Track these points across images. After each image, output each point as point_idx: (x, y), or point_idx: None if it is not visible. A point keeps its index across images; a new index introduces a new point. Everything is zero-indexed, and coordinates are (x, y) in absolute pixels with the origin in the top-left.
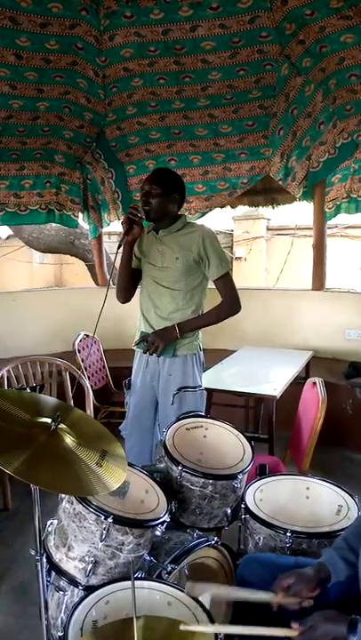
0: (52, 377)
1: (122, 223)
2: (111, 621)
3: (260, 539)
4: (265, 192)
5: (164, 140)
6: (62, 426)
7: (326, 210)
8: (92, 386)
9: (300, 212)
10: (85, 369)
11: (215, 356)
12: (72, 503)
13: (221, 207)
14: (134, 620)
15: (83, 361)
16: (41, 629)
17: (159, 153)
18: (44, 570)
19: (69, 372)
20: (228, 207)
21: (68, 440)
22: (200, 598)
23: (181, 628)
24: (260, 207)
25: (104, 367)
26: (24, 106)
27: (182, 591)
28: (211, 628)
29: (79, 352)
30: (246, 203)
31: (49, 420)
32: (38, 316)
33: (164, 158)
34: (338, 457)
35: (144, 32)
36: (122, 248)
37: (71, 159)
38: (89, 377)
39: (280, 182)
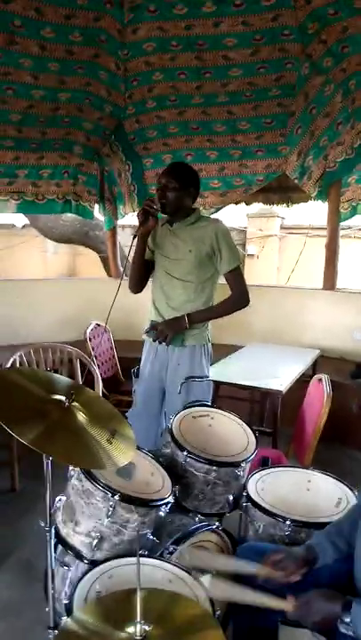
0: (63, 364)
1: (137, 215)
2: (113, 592)
3: (259, 526)
4: (280, 190)
5: (182, 134)
6: (75, 404)
7: (342, 210)
8: (101, 374)
9: (315, 211)
10: (95, 357)
11: (223, 352)
12: (81, 480)
13: (236, 203)
14: (138, 589)
15: (93, 349)
16: (47, 600)
17: (177, 147)
18: (52, 541)
19: (80, 360)
20: (243, 204)
21: (81, 417)
22: (201, 579)
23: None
24: (275, 205)
25: (114, 357)
26: (45, 96)
27: (183, 570)
28: (209, 591)
29: (90, 341)
30: (261, 200)
31: (63, 398)
32: (51, 305)
33: (181, 153)
34: (340, 454)
35: (167, 27)
36: (136, 239)
37: (89, 150)
38: (98, 365)
39: (296, 181)
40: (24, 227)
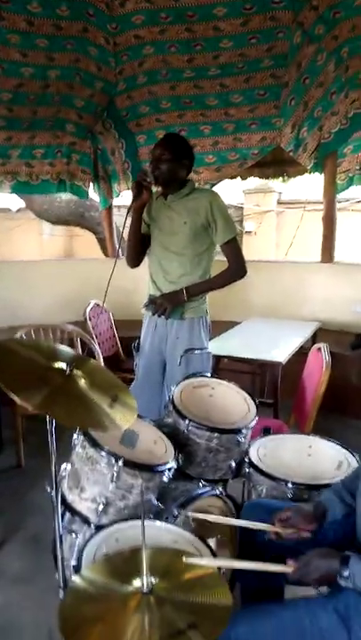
0: (64, 343)
1: (131, 188)
2: (120, 551)
3: (262, 490)
4: (275, 164)
5: (175, 109)
6: (77, 372)
7: (339, 182)
8: (102, 353)
9: (312, 185)
10: (96, 337)
11: (222, 328)
12: (85, 448)
13: (231, 178)
14: (143, 545)
15: (93, 329)
16: (56, 566)
17: (170, 123)
18: (60, 505)
19: (80, 339)
20: (239, 179)
21: (83, 384)
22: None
23: (185, 560)
24: (271, 179)
25: (114, 335)
26: (35, 74)
27: (188, 532)
28: (212, 562)
29: (90, 320)
30: (257, 174)
31: (64, 366)
32: (48, 286)
33: (174, 128)
34: (341, 425)
35: None
36: (131, 213)
37: (82, 129)
38: (99, 344)
39: (291, 153)
40: (19, 210)
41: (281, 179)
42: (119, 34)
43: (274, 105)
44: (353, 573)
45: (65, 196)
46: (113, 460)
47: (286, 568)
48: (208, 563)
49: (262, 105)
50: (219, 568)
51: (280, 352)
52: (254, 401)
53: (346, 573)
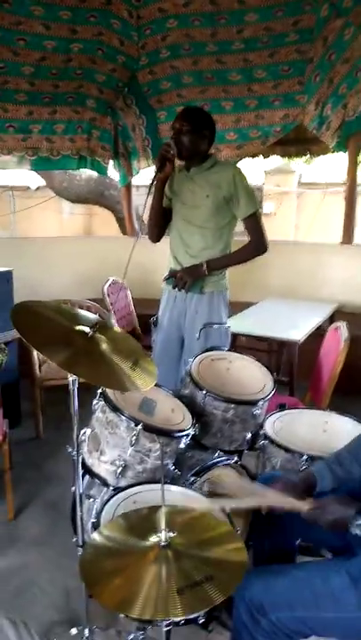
0: None
1: (154, 161)
2: (137, 509)
3: (277, 462)
4: (298, 142)
5: (197, 84)
6: (99, 335)
7: None
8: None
9: (333, 167)
10: (114, 313)
11: (240, 308)
12: (105, 412)
13: (253, 157)
14: (162, 500)
15: (112, 305)
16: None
17: (191, 98)
18: (80, 467)
19: (99, 314)
20: (260, 157)
21: (104, 346)
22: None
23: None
24: (293, 158)
25: (132, 312)
26: (57, 47)
27: (204, 496)
28: (225, 502)
29: (108, 296)
30: (278, 153)
31: (87, 329)
32: (68, 264)
33: (196, 104)
34: (357, 406)
35: None
36: (154, 185)
37: (102, 104)
38: (117, 320)
39: (314, 131)
40: (38, 188)
41: (304, 158)
42: (143, 6)
43: (298, 81)
44: None
45: (85, 175)
46: (132, 425)
47: (303, 505)
48: (220, 504)
49: (286, 81)
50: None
51: (297, 331)
52: (271, 374)
53: (359, 522)
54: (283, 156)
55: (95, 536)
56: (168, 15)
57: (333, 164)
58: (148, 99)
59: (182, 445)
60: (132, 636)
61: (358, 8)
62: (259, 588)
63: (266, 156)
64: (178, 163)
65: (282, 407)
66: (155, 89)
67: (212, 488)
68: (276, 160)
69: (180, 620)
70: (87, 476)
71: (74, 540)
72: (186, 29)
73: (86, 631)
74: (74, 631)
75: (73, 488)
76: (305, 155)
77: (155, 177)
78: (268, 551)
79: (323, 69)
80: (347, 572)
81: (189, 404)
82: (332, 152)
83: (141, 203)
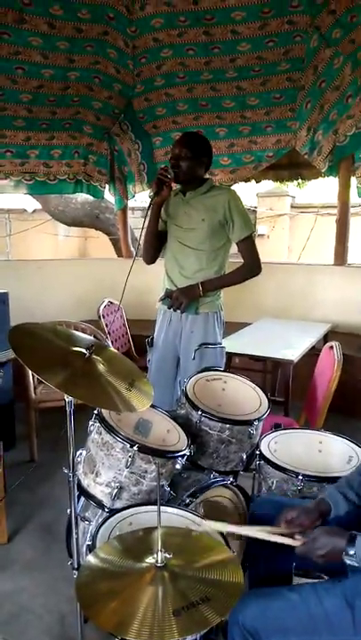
0: None
1: (152, 185)
2: (132, 531)
3: (273, 482)
4: (290, 167)
5: (192, 111)
6: (96, 357)
7: (359, 185)
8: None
9: (325, 190)
10: (109, 334)
11: (234, 329)
12: (100, 434)
13: (246, 181)
14: (158, 522)
15: (107, 326)
16: (69, 554)
17: (186, 125)
18: (75, 488)
19: (95, 336)
20: (253, 182)
21: (101, 367)
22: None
23: (195, 529)
24: (286, 182)
25: (127, 333)
26: (55, 75)
27: (199, 517)
28: (220, 527)
29: (103, 318)
30: (271, 177)
31: (84, 350)
32: (63, 285)
33: (190, 130)
34: (350, 426)
35: (174, 1)
36: (150, 209)
37: (99, 130)
38: (112, 342)
39: (306, 156)
40: (34, 211)
41: (296, 183)
42: (138, 37)
43: (290, 108)
44: (359, 552)
45: (80, 198)
46: (128, 446)
47: (294, 541)
48: (216, 528)
49: (278, 108)
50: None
51: (292, 351)
52: (266, 395)
53: (352, 552)
54: (275, 180)
55: (90, 558)
56: (163, 45)
57: (326, 186)
58: (144, 125)
59: (178, 466)
60: None
61: (347, 39)
62: (253, 612)
63: (258, 181)
64: (174, 186)
65: (277, 427)
66: (150, 115)
67: (207, 511)
68: (269, 183)
69: None
70: (83, 499)
71: (69, 563)
72: (180, 58)
73: None
74: None
75: (68, 510)
76: (297, 179)
77: (151, 201)
78: (264, 575)
79: (314, 96)
80: (341, 594)
81: (185, 424)
82: (324, 177)
83: (136, 225)
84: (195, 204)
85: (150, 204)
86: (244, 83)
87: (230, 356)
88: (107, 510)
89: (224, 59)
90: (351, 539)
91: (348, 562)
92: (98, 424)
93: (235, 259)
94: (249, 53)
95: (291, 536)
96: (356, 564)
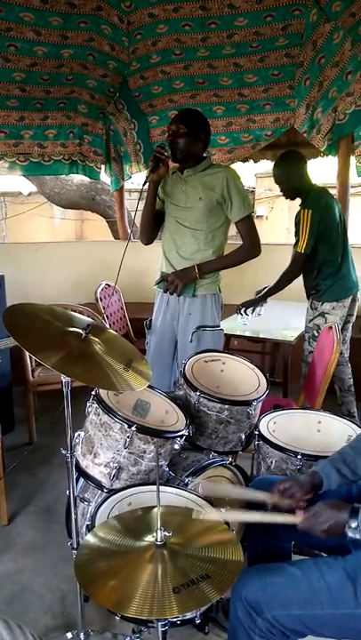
0: None
1: (148, 162)
2: (131, 510)
3: (272, 462)
4: (289, 146)
5: (188, 89)
6: (92, 337)
7: (358, 164)
8: None
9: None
10: (107, 317)
11: (232, 310)
12: (98, 415)
13: (244, 161)
14: (158, 501)
15: (104, 309)
16: (69, 534)
17: (182, 103)
18: (73, 468)
19: (92, 319)
20: (251, 162)
21: (98, 347)
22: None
23: (193, 515)
24: None
25: (124, 316)
26: (48, 53)
27: (198, 496)
28: (220, 515)
29: (101, 300)
30: (269, 157)
31: (80, 330)
32: (60, 268)
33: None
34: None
35: None
36: (147, 186)
37: (94, 109)
38: (110, 325)
39: (304, 135)
40: (30, 194)
41: None
42: (133, 12)
43: (288, 85)
44: None
45: (76, 180)
46: (126, 426)
47: (295, 518)
48: (216, 516)
49: (276, 85)
50: (227, 523)
51: (291, 332)
52: (265, 375)
53: (354, 524)
54: (273, 159)
55: (89, 537)
56: (158, 20)
57: (325, 166)
58: (140, 103)
59: (177, 446)
60: (127, 639)
61: (347, 12)
62: (255, 587)
63: (256, 161)
64: (171, 164)
65: (276, 408)
66: (146, 94)
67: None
68: (267, 163)
69: (177, 620)
70: (81, 480)
71: (68, 543)
72: (176, 34)
73: (82, 635)
74: (69, 635)
75: (67, 491)
76: None
77: (147, 178)
78: (262, 554)
79: (313, 73)
80: (343, 569)
81: (184, 405)
82: (323, 156)
83: (133, 208)
84: (192, 183)
85: (146, 181)
86: (242, 59)
87: (229, 337)
88: (106, 491)
89: (221, 34)
90: (354, 511)
91: (350, 535)
92: (96, 405)
93: (234, 241)
94: (246, 28)
95: (291, 512)
96: (359, 537)
